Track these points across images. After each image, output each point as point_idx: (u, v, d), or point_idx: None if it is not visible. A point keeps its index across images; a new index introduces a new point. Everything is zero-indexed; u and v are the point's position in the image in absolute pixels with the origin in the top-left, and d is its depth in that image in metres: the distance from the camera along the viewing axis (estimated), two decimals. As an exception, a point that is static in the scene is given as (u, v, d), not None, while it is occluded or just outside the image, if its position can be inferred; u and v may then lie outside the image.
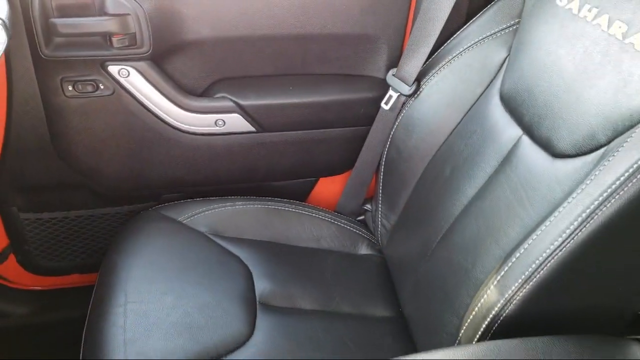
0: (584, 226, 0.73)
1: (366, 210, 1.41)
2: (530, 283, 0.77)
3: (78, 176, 1.32)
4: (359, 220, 1.41)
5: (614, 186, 0.72)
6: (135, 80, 1.22)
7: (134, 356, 0.95)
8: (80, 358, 0.99)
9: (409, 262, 1.17)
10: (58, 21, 1.12)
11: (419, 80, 1.22)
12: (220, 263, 1.18)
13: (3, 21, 0.98)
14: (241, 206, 1.31)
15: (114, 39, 1.16)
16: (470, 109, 1.14)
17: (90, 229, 1.42)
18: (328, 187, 1.47)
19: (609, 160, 0.77)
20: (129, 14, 1.14)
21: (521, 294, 0.77)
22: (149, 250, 1.16)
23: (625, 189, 0.72)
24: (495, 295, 0.80)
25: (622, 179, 0.72)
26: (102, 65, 1.19)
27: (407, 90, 1.22)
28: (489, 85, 1.12)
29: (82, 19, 1.13)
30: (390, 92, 1.26)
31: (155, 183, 1.36)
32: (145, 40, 1.17)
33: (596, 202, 0.73)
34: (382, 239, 1.33)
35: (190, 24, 1.21)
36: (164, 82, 1.24)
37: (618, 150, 0.76)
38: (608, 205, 0.72)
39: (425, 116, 1.21)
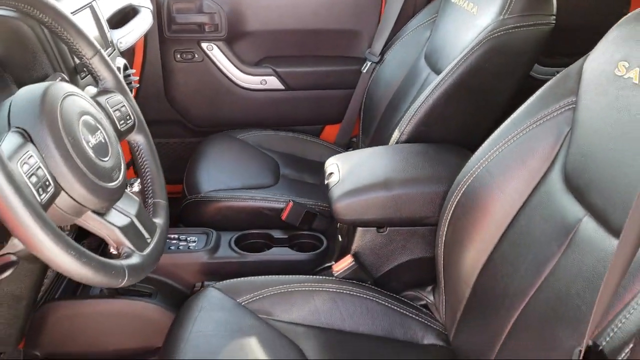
0: (438, 88, 1.50)
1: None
2: (413, 121, 1.53)
3: (177, 115, 2.17)
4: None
5: (452, 67, 1.50)
6: (216, 53, 2.08)
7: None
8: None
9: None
10: (176, 15, 2.00)
11: (382, 53, 2.04)
12: (262, 158, 1.97)
13: (152, 11, 1.85)
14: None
15: (206, 27, 2.03)
16: (410, 67, 1.94)
17: (180, 151, 2.24)
18: (331, 131, 2.27)
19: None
20: (215, 13, 2.02)
21: (409, 127, 1.54)
22: (217, 149, 1.97)
23: (456, 68, 1.48)
24: (396, 133, 1.57)
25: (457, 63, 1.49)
26: (198, 42, 2.06)
27: (375, 59, 2.04)
28: (420, 52, 1.92)
29: (189, 14, 2.01)
30: (367, 62, 2.07)
31: (223, 121, 2.19)
32: (224, 28, 2.04)
33: (446, 75, 1.50)
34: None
35: (249, 21, 2.08)
36: (232, 55, 2.10)
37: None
38: (450, 77, 1.49)
39: (386, 74, 2.01)
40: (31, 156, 0.72)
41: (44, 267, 1.27)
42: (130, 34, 1.60)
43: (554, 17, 1.49)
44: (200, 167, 1.82)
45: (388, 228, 1.36)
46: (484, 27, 1.51)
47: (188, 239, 1.54)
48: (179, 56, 2.07)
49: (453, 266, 1.23)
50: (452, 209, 1.23)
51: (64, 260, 0.69)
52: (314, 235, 1.62)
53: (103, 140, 0.87)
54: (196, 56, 2.08)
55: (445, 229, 1.24)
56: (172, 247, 1.51)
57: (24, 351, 1.38)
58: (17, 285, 1.22)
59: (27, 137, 0.74)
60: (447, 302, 1.27)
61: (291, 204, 1.61)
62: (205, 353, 1.06)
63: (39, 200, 0.71)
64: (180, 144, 2.23)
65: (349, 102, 2.17)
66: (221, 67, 2.10)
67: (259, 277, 1.29)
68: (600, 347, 0.73)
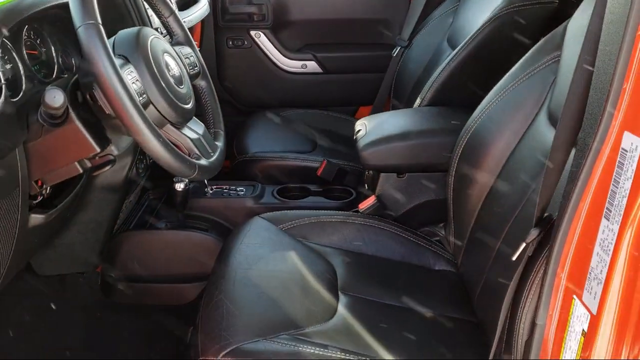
0: (454, 59, 1.73)
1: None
2: (432, 89, 1.76)
3: (227, 95, 2.45)
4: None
5: (467, 41, 1.72)
6: (263, 40, 2.36)
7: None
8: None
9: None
10: (229, 6, 2.29)
11: (410, 39, 2.28)
12: (301, 130, 2.23)
13: (208, 1, 2.15)
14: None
15: (254, 17, 2.32)
16: (435, 50, 2.16)
17: (228, 130, 2.51)
18: (364, 112, 2.51)
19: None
20: (262, 4, 2.30)
21: (429, 94, 1.76)
22: (262, 123, 2.24)
23: (471, 41, 1.71)
24: (418, 100, 1.80)
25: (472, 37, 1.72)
26: (247, 30, 2.35)
27: (404, 44, 2.28)
28: (444, 36, 2.15)
29: (239, 5, 2.30)
30: (396, 47, 2.31)
31: (267, 102, 2.46)
32: (270, 18, 2.33)
33: (461, 47, 1.73)
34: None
35: (292, 11, 2.35)
36: (277, 42, 2.37)
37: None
38: (465, 50, 1.71)
39: (413, 57, 2.25)
40: (132, 71, 0.99)
41: (122, 199, 1.55)
42: (192, 16, 1.89)
43: (558, -3, 1.70)
44: (247, 135, 2.10)
45: (407, 174, 1.59)
46: (496, 6, 1.74)
47: (237, 188, 1.80)
48: (230, 43, 2.36)
49: (460, 202, 1.45)
50: (460, 152, 1.45)
51: (154, 145, 0.96)
52: (345, 189, 1.86)
53: (178, 74, 1.14)
54: (245, 43, 2.36)
55: (454, 170, 1.47)
56: (224, 194, 1.77)
57: (101, 273, 1.67)
58: (100, 212, 1.50)
59: (127, 60, 1.02)
60: (455, 234, 1.49)
61: (325, 162, 1.86)
62: (253, 257, 1.32)
63: (139, 100, 0.97)
64: (228, 123, 2.49)
65: (380, 84, 2.41)
66: (267, 52, 2.38)
67: (297, 210, 1.54)
68: (554, 218, 0.94)
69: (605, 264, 0.73)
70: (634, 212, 0.69)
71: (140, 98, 0.99)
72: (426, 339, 1.19)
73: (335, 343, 1.10)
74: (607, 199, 0.73)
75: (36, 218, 1.12)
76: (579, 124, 0.86)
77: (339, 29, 2.40)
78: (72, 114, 1.01)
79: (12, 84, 1.03)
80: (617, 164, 0.71)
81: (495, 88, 1.42)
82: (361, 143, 1.58)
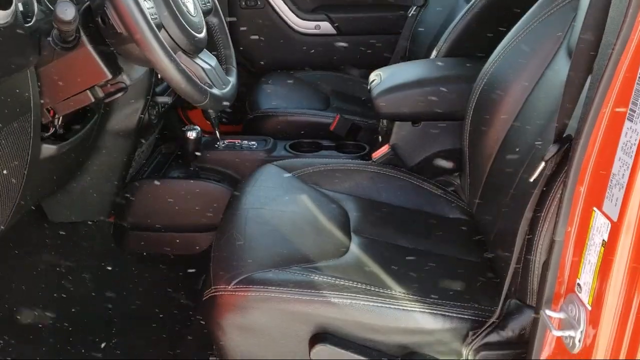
0: (470, 10, 1.69)
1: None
2: (448, 40, 1.73)
3: (240, 57, 2.43)
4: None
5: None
6: (277, 1, 2.33)
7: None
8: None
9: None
10: (243, -34, 2.28)
11: (426, -2, 2.25)
12: (314, 90, 2.21)
13: (221, -41, 2.13)
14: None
15: (268, -25, 2.30)
16: (451, 9, 2.13)
17: (240, 94, 2.50)
18: (379, 75, 2.48)
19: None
20: (276, -37, 2.28)
21: (445, 46, 1.73)
22: (275, 82, 2.22)
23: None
24: (434, 52, 1.77)
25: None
26: (261, -9, 2.33)
27: (420, 3, 2.24)
28: (460, -7, 2.11)
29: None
30: (412, 6, 2.28)
31: (280, 64, 2.43)
32: (283, -22, 2.31)
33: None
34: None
35: (306, -28, 2.33)
36: (291, 3, 2.35)
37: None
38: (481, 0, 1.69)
39: (429, 17, 2.21)
40: None
41: (134, 145, 1.54)
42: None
43: (578, -55, 1.66)
44: (260, 93, 2.09)
45: (422, 122, 1.56)
46: (514, -43, 1.70)
47: (249, 143, 1.79)
48: (244, 3, 2.35)
49: (476, 150, 1.43)
50: (476, 98, 1.42)
51: (166, 64, 0.94)
52: (358, 144, 1.84)
53: (190, 2, 1.13)
54: (259, 3, 2.34)
55: (470, 117, 1.44)
56: (236, 148, 1.76)
57: (114, 223, 1.67)
58: (113, 158, 1.50)
59: None
60: (471, 182, 1.46)
61: (338, 116, 1.84)
62: (265, 198, 1.30)
63: (151, 18, 0.96)
64: (241, 86, 2.49)
65: (395, 46, 2.37)
66: (280, 12, 2.36)
67: (309, 158, 1.52)
68: (572, 139, 0.91)
69: (628, 167, 0.70)
70: (659, 109, 0.66)
71: (153, 17, 0.98)
72: (438, 276, 1.17)
73: (347, 276, 1.09)
74: (631, 99, 0.70)
75: (48, 148, 1.11)
76: (600, 37, 0.83)
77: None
78: (84, 38, 1.00)
79: (24, 12, 1.02)
80: (642, 61, 0.69)
81: (513, 30, 1.39)
82: (375, 91, 1.56)
